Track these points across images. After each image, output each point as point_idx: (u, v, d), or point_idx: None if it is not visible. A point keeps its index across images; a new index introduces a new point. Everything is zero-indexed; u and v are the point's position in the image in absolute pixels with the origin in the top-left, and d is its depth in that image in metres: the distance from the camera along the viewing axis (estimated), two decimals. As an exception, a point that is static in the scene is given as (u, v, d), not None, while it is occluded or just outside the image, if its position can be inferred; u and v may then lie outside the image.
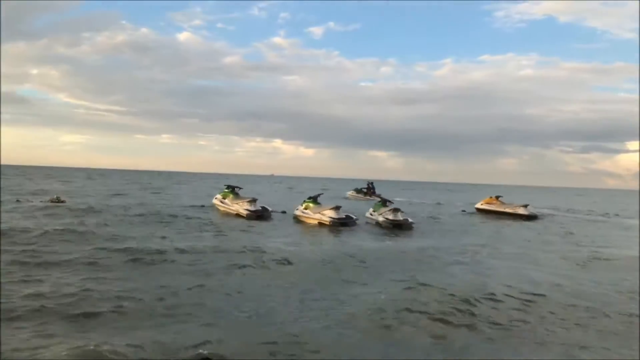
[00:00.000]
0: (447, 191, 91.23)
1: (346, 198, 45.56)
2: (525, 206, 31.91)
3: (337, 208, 23.05)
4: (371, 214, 24.87)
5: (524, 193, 74.34)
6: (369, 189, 47.66)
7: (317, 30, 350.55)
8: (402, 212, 23.88)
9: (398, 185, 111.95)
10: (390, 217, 22.98)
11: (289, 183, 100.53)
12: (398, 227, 22.47)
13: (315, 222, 22.84)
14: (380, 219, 23.14)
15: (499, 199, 34.41)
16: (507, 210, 32.21)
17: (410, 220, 23.46)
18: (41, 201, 28.14)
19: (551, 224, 28.41)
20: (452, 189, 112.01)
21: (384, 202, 25.52)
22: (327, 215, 22.54)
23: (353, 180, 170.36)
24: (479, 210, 34.06)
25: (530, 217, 30.35)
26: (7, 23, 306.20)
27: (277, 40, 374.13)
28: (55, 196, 29.72)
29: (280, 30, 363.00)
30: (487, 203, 34.39)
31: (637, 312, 8.96)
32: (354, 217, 23.37)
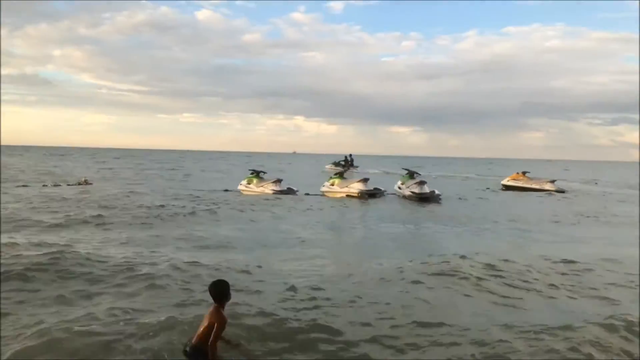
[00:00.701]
0: (472, 166, 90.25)
1: (324, 172, 46.63)
2: (553, 181, 31.51)
3: (365, 180, 23.68)
4: (399, 187, 25.01)
5: (551, 167, 73.02)
6: (346, 162, 49.55)
7: (337, 5, 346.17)
8: (427, 184, 23.99)
9: (421, 161, 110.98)
10: (417, 190, 22.98)
11: (312, 160, 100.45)
12: (425, 200, 22.40)
13: (343, 194, 23.28)
14: (407, 192, 23.17)
15: (526, 174, 33.92)
16: (534, 186, 31.76)
17: (437, 192, 23.46)
18: (69, 184, 28.64)
19: (582, 198, 27.94)
20: (476, 164, 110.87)
21: (412, 174, 25.57)
22: (356, 187, 23.02)
23: (376, 157, 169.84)
24: (505, 187, 33.60)
25: (558, 192, 29.89)
26: (27, 5, 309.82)
27: (296, 15, 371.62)
28: (83, 179, 30.28)
29: (300, 5, 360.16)
30: (514, 179, 33.90)
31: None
32: (382, 189, 23.75)
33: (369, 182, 23.68)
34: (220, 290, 5.06)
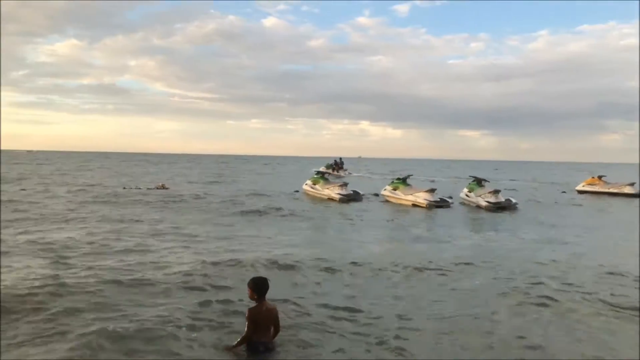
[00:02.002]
0: (543, 170, 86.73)
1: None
2: (632, 184, 29.92)
3: (432, 191, 22.99)
4: (467, 195, 24.42)
5: (628, 170, 68.65)
6: (336, 165, 51.60)
7: (402, 8, 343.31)
8: (501, 192, 23.21)
9: (490, 165, 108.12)
10: (492, 199, 22.43)
11: (378, 165, 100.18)
12: (501, 209, 21.89)
13: (409, 203, 22.90)
14: (482, 202, 22.56)
15: (602, 178, 32.44)
16: (612, 190, 30.33)
17: (513, 201, 22.91)
18: (148, 188, 30.36)
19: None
20: (548, 168, 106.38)
21: (479, 182, 24.91)
22: (422, 197, 22.58)
23: (443, 161, 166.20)
24: (580, 192, 32.27)
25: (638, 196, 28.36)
26: (102, 19, 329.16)
27: (361, 20, 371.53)
28: (160, 183, 32.01)
29: (365, 9, 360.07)
30: (589, 184, 32.50)
31: None
32: (449, 200, 23.29)
33: (435, 192, 23.06)
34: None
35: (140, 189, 29.52)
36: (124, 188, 29.58)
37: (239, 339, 5.55)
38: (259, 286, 5.56)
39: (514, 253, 12.04)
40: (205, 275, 8.86)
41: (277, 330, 5.69)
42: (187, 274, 8.87)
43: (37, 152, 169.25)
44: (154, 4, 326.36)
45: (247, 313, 5.50)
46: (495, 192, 22.86)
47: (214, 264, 9.69)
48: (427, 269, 9.95)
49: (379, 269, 9.78)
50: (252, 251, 11.38)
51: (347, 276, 9.33)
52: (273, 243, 12.82)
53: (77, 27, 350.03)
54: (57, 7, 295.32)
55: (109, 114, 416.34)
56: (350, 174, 51.11)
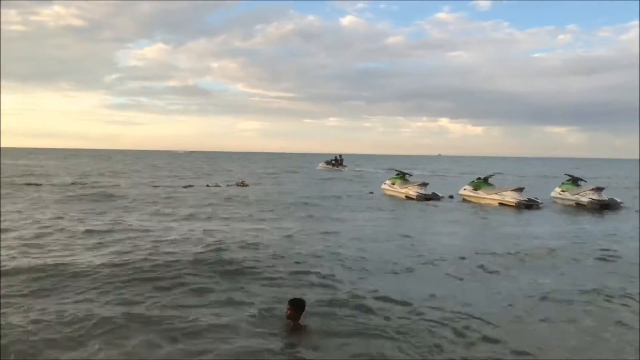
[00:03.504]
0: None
1: (318, 169, 52.82)
2: None
3: (519, 189, 22.02)
4: (560, 194, 23.08)
5: None
6: (336, 161, 56.09)
7: (484, 2, 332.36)
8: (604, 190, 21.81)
9: (580, 163, 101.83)
10: (596, 197, 21.21)
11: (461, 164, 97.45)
12: (605, 207, 20.69)
13: (495, 202, 21.98)
14: (584, 199, 21.40)
15: None
16: None
17: (617, 199, 21.54)
18: (228, 184, 31.14)
19: None
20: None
21: (575, 181, 23.49)
22: (510, 196, 21.60)
23: (527, 159, 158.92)
24: None
25: None
26: (187, 23, 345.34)
27: (441, 15, 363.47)
28: (240, 180, 32.73)
29: (444, 6, 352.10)
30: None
31: None
32: (539, 201, 22.10)
33: (523, 191, 22.01)
34: None
35: (220, 186, 30.30)
36: (207, 186, 30.40)
37: None
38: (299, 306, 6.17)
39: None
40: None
41: None
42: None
43: (197, 152, 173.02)
44: (234, 8, 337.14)
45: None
46: (598, 189, 21.54)
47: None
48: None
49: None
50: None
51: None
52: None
53: (163, 32, 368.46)
54: (146, 13, 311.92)
55: (193, 115, 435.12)
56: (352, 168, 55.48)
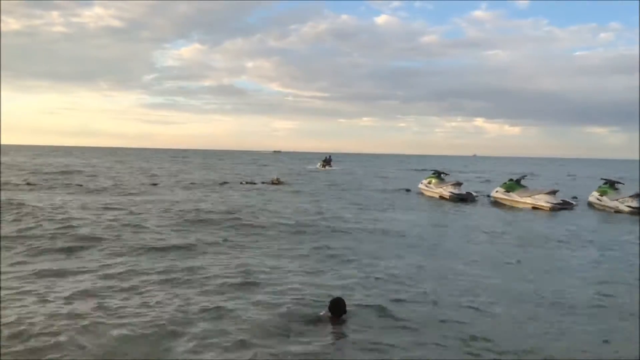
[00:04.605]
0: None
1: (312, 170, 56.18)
2: None
3: (553, 192, 21.66)
4: (598, 199, 22.29)
5: None
6: (326, 161, 61.50)
7: (522, 1, 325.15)
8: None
9: (620, 165, 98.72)
10: (635, 204, 20.23)
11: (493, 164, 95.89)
12: None
13: (527, 205, 21.54)
14: (623, 207, 20.49)
15: None
16: None
17: None
18: (263, 182, 31.72)
19: None
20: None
21: (613, 184, 22.54)
22: (544, 199, 21.21)
23: (566, 160, 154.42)
24: None
25: None
26: (224, 23, 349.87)
27: (478, 14, 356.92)
28: (275, 177, 33.25)
29: (481, 3, 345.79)
30: None
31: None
32: (574, 202, 21.81)
33: (557, 194, 21.52)
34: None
35: (254, 183, 30.93)
36: (241, 183, 31.07)
37: None
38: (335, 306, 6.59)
39: None
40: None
41: None
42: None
43: (284, 152, 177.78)
44: (271, 7, 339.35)
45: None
46: (638, 196, 20.69)
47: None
48: None
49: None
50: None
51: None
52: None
53: (200, 32, 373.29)
54: (183, 13, 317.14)
55: (227, 114, 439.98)
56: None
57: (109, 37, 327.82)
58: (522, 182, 23.49)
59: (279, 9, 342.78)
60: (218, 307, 6.92)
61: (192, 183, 30.59)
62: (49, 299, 7.19)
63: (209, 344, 5.79)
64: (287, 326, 6.36)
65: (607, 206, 21.49)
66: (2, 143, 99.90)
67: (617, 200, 21.17)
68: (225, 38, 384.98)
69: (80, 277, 8.52)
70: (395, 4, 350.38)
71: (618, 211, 20.66)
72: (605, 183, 23.07)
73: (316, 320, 6.55)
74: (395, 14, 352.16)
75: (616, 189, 22.37)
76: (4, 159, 52.01)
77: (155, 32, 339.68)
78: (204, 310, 6.83)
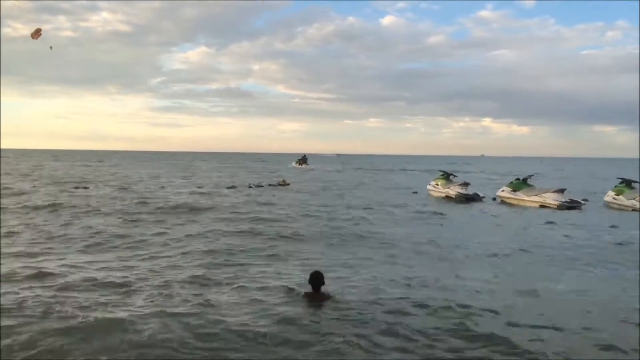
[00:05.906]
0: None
1: (291, 167, 58.69)
2: None
3: (561, 191, 21.64)
4: (614, 198, 22.13)
5: None
6: (302, 159, 64.49)
7: (529, 0, 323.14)
8: None
9: (631, 164, 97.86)
10: None
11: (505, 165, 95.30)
12: None
13: (535, 204, 21.54)
14: (638, 205, 20.31)
15: None
16: None
17: None
18: (270, 184, 31.79)
19: None
20: None
21: (629, 184, 22.20)
22: (552, 198, 21.23)
23: (576, 159, 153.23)
24: None
25: None
26: (231, 26, 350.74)
27: (484, 13, 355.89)
28: (282, 179, 33.38)
29: (487, 3, 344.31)
30: None
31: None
32: (582, 202, 21.77)
33: (565, 192, 21.40)
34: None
35: (262, 186, 30.96)
36: (250, 186, 31.03)
37: None
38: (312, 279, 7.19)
39: None
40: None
41: None
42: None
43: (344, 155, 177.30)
44: (277, 10, 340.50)
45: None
46: None
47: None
48: None
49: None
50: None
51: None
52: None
53: (207, 36, 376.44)
54: (189, 17, 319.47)
55: (234, 117, 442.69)
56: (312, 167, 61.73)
57: (116, 42, 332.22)
58: (529, 181, 23.45)
59: (285, 11, 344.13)
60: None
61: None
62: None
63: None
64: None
65: (624, 205, 21.29)
66: (15, 148, 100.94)
67: (634, 199, 20.95)
68: (231, 41, 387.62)
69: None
70: (401, 4, 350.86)
71: (635, 210, 20.38)
72: (621, 182, 22.82)
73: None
74: (402, 15, 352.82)
75: (633, 188, 22.14)
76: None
77: (162, 36, 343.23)
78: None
